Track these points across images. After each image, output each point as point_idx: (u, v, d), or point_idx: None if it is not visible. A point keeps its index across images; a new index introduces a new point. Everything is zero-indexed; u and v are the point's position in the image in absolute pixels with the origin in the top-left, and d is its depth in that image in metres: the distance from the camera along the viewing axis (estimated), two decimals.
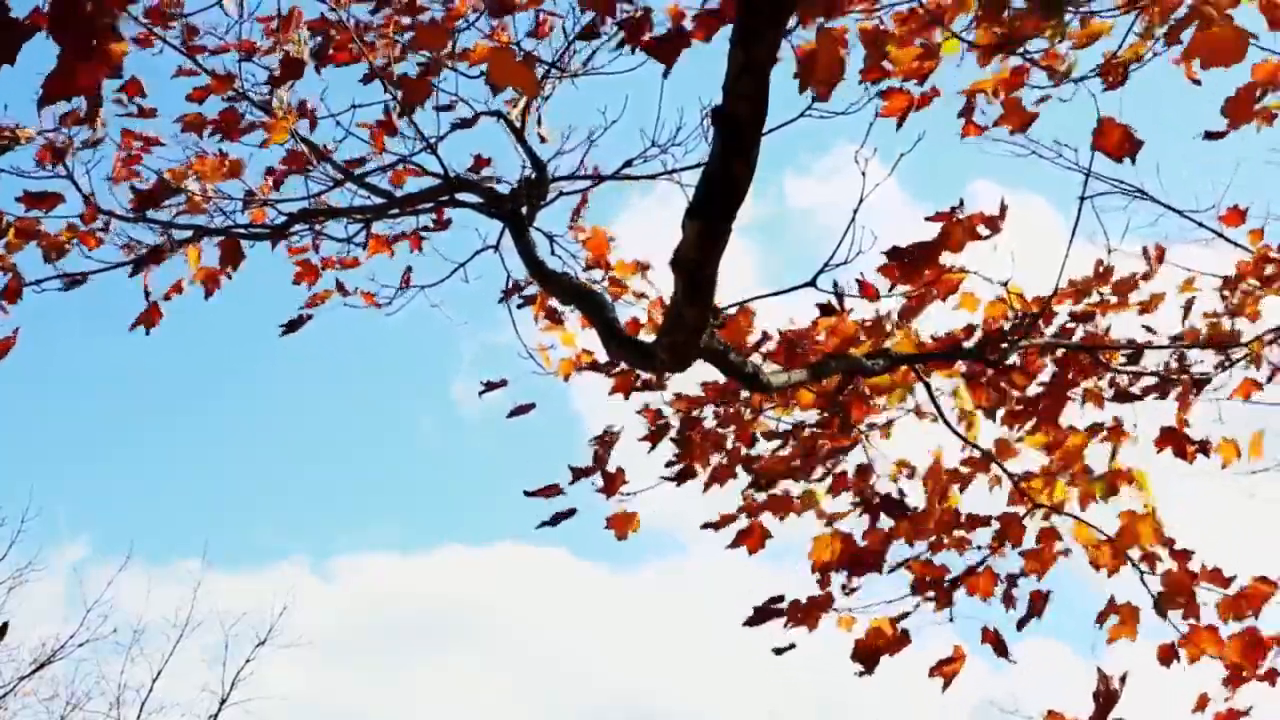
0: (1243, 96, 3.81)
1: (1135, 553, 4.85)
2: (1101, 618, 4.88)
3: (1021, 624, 4.88)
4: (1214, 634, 4.73)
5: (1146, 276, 5.24)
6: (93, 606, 16.76)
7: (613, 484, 5.20)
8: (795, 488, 5.22)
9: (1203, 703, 4.77)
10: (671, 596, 27.13)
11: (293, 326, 5.53)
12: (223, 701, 16.97)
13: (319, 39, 4.72)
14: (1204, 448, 5.16)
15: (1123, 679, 4.18)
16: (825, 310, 4.80)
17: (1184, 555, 4.78)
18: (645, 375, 5.23)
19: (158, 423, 27.47)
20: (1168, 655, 4.83)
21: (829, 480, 5.20)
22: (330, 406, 29.66)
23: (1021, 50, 4.07)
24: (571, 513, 5.14)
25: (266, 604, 26.17)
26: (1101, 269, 5.19)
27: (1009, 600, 4.88)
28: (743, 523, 5.19)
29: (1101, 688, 4.17)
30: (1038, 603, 4.89)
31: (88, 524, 26.66)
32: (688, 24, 3.87)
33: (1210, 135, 4.31)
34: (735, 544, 5.15)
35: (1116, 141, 3.87)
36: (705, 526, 5.12)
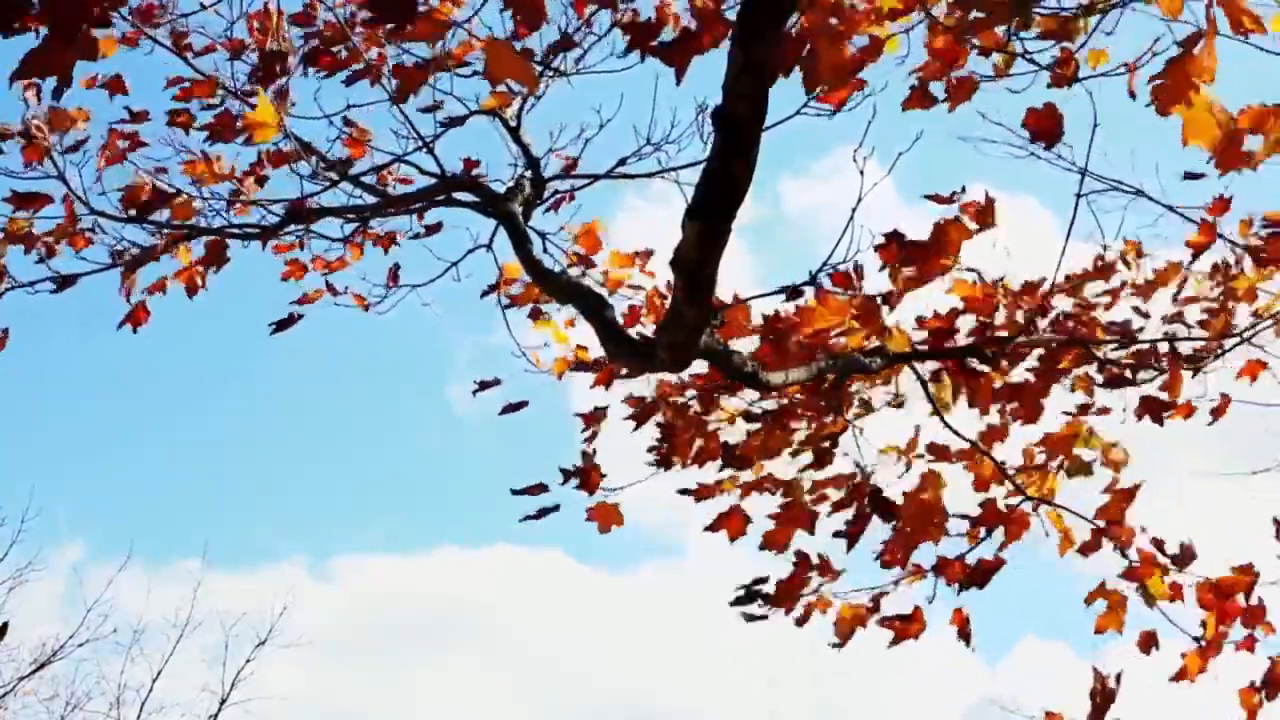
0: (1232, 145, 3.83)
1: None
2: (1090, 599, 4.93)
3: (964, 587, 4.86)
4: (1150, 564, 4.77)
5: (1130, 267, 5.27)
6: (93, 606, 16.76)
7: (590, 479, 5.14)
8: (777, 469, 5.19)
9: (1183, 674, 4.83)
10: (670, 597, 27.24)
11: (283, 325, 5.51)
12: (223, 701, 16.96)
13: (305, 41, 4.70)
14: (1174, 407, 5.19)
15: (1118, 677, 4.21)
16: (793, 295, 4.79)
17: (1158, 543, 4.83)
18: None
19: (154, 423, 27.44)
20: (1147, 643, 4.87)
21: (809, 461, 5.16)
22: (327, 407, 29.64)
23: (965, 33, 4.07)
24: (556, 508, 5.09)
25: (265, 604, 26.08)
26: (1099, 264, 5.22)
27: (954, 574, 4.89)
28: (723, 504, 5.12)
29: (1098, 687, 4.19)
30: (990, 569, 4.88)
31: (86, 525, 26.59)
32: (693, 27, 3.84)
33: (1190, 176, 4.45)
34: (715, 527, 5.07)
35: (1045, 126, 3.97)
36: (708, 529, 5.06)
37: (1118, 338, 5.13)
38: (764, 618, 4.89)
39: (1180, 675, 4.88)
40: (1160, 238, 5.33)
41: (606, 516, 5.21)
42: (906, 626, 4.87)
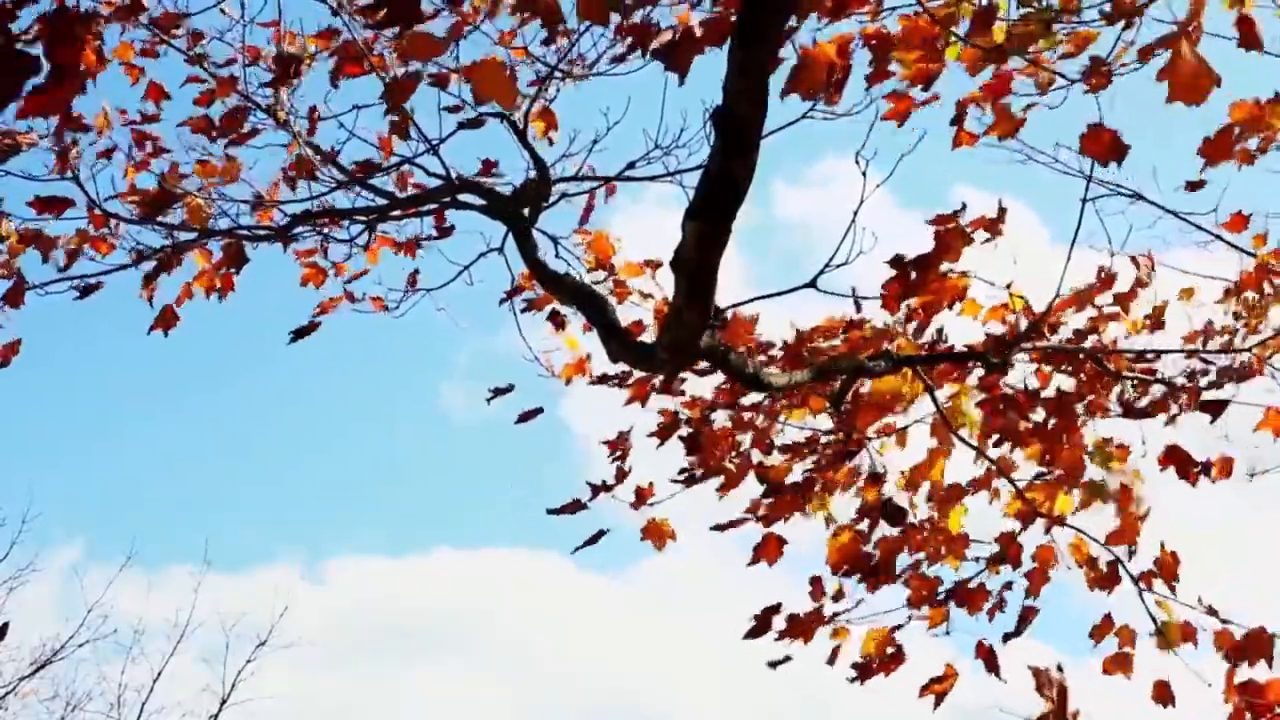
0: (1220, 138, 3.83)
1: (1133, 569, 4.83)
2: (1098, 635, 4.86)
3: (1008, 637, 4.87)
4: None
5: (1142, 284, 5.22)
6: (93, 607, 16.80)
7: (642, 496, 5.19)
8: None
9: None
10: (667, 599, 27.11)
11: (301, 334, 5.52)
12: (223, 702, 16.97)
13: (327, 54, 4.77)
14: (1206, 469, 5.10)
15: (1059, 667, 4.13)
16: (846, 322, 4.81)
17: (1172, 562, 4.76)
18: (660, 380, 5.22)
19: (151, 425, 27.56)
20: (1164, 695, 4.74)
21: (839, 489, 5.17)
22: (323, 408, 29.67)
23: (1013, 53, 4.08)
24: (603, 534, 5.11)
25: (260, 607, 26.04)
26: (1104, 275, 5.17)
27: (995, 609, 4.87)
28: (754, 533, 5.09)
29: (1043, 681, 4.11)
30: (1027, 618, 4.87)
31: (84, 525, 26.76)
32: (697, 30, 3.87)
33: (1191, 186, 4.46)
34: (754, 560, 5.06)
35: (1105, 146, 3.91)
36: (715, 528, 5.05)
37: (1133, 352, 5.09)
38: (788, 659, 4.86)
39: None
40: (1159, 239, 5.30)
41: (658, 534, 5.24)
42: (941, 685, 4.77)
